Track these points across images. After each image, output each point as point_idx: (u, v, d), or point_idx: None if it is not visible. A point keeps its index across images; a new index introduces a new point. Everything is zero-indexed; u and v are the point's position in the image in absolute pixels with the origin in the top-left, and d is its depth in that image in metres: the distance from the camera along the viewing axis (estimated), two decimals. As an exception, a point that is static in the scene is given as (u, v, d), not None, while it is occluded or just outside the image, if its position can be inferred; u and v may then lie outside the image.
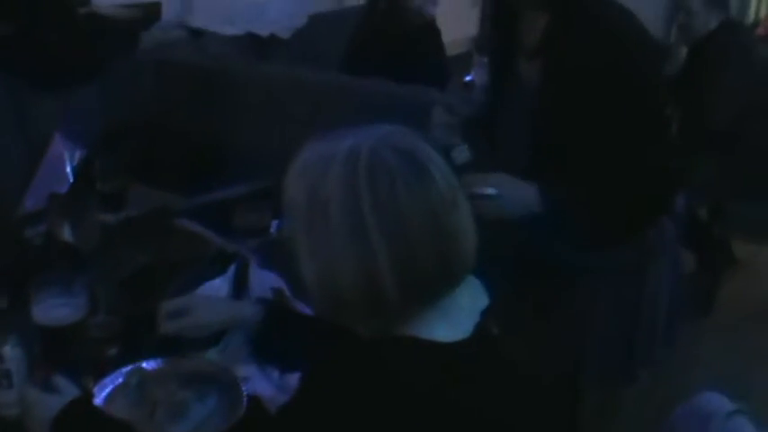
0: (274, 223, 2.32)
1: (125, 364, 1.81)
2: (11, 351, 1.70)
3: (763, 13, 7.21)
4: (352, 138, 1.24)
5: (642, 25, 1.99)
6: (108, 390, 1.75)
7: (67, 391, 1.50)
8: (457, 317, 1.29)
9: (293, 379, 1.74)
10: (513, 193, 1.89)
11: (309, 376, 1.29)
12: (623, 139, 1.95)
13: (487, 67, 2.25)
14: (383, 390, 1.20)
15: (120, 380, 1.77)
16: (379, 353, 1.25)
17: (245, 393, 1.70)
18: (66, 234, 2.01)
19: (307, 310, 1.93)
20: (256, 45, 4.20)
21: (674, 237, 2.23)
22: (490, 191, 1.89)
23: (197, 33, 4.16)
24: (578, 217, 1.96)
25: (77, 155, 2.92)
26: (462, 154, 1.96)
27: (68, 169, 2.88)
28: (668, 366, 3.16)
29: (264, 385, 1.77)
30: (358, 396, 1.20)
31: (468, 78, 4.11)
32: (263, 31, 4.22)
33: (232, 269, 2.03)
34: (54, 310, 1.76)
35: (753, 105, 3.94)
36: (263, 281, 1.99)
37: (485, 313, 1.32)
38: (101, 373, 1.79)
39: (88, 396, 1.60)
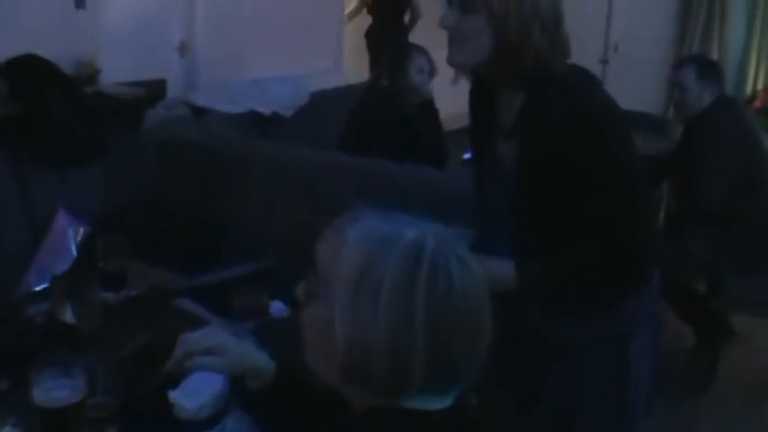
0: (272, 304, 2.35)
1: (123, 444, 1.83)
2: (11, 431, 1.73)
3: (759, 87, 7.31)
4: (414, 227, 1.31)
5: (616, 105, 2.04)
6: (105, 470, 1.78)
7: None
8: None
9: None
10: (490, 269, 1.93)
11: None
12: (597, 216, 1.99)
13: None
14: None
15: (118, 461, 1.79)
16: (370, 425, 1.30)
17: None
18: (68, 316, 2.04)
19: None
20: (258, 123, 4.27)
21: (653, 307, 2.26)
22: None
23: (200, 111, 4.23)
24: (554, 292, 2.01)
25: (81, 231, 2.96)
26: None
27: (72, 246, 2.92)
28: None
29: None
30: None
31: (466, 156, 4.15)
32: (266, 110, 4.30)
33: (230, 350, 2.05)
34: (53, 391, 1.78)
35: (746, 181, 3.98)
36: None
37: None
38: (99, 453, 1.82)
39: None
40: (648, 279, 2.13)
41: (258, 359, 1.64)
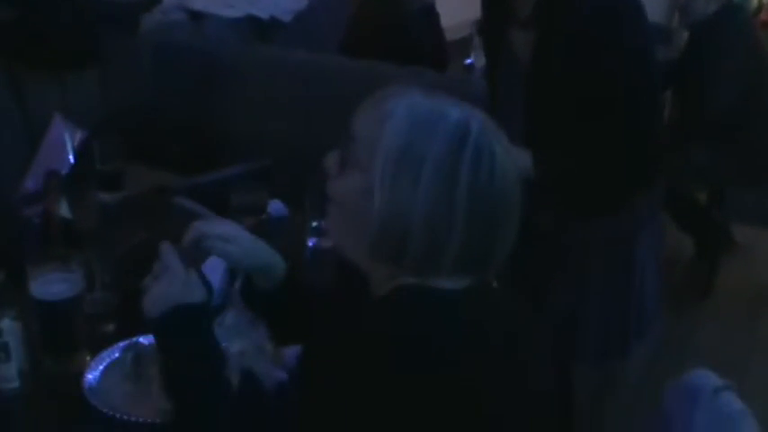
0: (270, 203, 2.34)
1: (121, 339, 1.83)
2: (9, 324, 1.73)
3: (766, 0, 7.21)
4: (457, 107, 1.30)
5: None
6: (104, 365, 1.78)
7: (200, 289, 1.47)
8: None
9: (288, 353, 1.76)
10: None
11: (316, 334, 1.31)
12: (613, 109, 1.96)
13: (482, 42, 2.27)
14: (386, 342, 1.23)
15: (117, 355, 1.79)
16: (393, 303, 1.29)
17: (240, 368, 1.72)
18: (64, 211, 2.02)
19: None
20: (256, 28, 4.21)
21: (659, 207, 2.25)
22: None
23: (197, 16, 4.16)
24: (568, 184, 1.99)
25: (77, 136, 2.93)
26: None
27: (68, 150, 2.90)
28: (665, 352, 3.18)
29: (258, 358, 1.79)
30: (365, 348, 1.23)
31: (468, 62, 4.11)
32: (264, 14, 4.23)
33: (228, 247, 2.04)
34: (51, 285, 1.78)
35: (751, 91, 3.94)
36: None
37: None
38: (97, 348, 1.81)
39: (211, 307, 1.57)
40: (658, 177, 2.11)
41: (271, 257, 1.62)
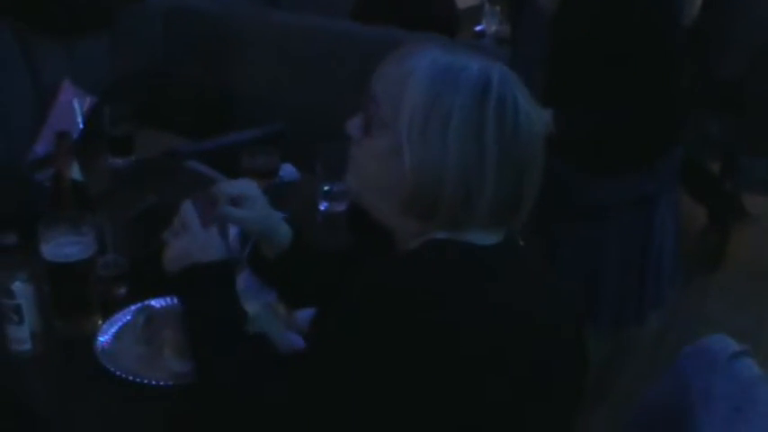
0: (282, 167, 2.32)
1: (133, 302, 1.82)
2: (20, 287, 1.72)
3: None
4: (477, 60, 1.30)
5: None
6: (116, 328, 1.77)
7: (220, 248, 1.48)
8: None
9: (301, 316, 1.75)
10: None
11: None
12: (638, 65, 1.94)
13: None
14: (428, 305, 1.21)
15: (128, 318, 1.78)
16: (423, 258, 1.28)
17: (251, 332, 1.71)
18: (75, 173, 2.01)
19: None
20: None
21: (678, 175, 2.23)
22: None
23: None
24: (590, 140, 1.98)
25: (87, 101, 2.92)
26: None
27: (78, 116, 2.89)
28: (676, 320, 3.17)
29: (271, 323, 1.77)
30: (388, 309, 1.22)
31: (478, 28, 4.07)
32: (274, -22, 4.19)
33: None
34: (63, 248, 1.76)
35: (764, 59, 3.90)
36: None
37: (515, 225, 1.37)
38: (109, 311, 1.80)
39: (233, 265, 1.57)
40: (680, 137, 2.09)
41: (278, 224, 1.63)
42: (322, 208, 2.25)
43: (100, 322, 1.79)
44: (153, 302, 1.80)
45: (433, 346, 1.19)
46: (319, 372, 1.24)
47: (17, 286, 1.71)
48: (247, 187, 1.61)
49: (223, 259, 1.47)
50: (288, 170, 2.36)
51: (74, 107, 2.91)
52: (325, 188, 2.23)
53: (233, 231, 1.94)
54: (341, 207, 2.20)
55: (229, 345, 1.38)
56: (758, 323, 3.63)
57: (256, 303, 1.82)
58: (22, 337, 1.72)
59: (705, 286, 3.90)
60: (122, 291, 1.90)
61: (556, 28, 2.03)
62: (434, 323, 1.20)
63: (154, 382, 1.63)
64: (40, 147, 2.81)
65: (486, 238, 1.31)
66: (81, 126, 2.83)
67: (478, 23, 4.09)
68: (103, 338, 1.74)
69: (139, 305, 1.80)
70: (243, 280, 1.90)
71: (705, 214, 4.32)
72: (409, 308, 1.20)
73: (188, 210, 1.51)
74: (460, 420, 1.22)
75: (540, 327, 1.31)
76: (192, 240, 1.48)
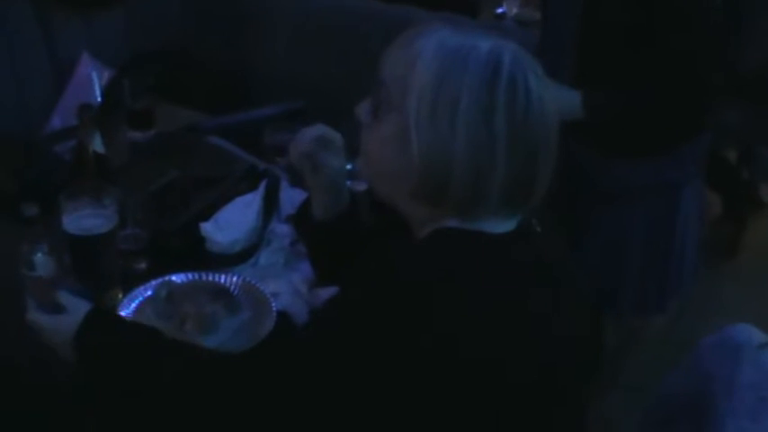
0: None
1: (153, 277, 1.81)
2: (42, 259, 1.70)
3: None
4: (487, 39, 1.26)
5: None
6: (136, 302, 1.76)
7: (76, 307, 1.45)
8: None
9: (323, 294, 1.74)
10: (557, 97, 1.89)
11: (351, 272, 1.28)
12: (668, 46, 1.92)
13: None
14: (419, 285, 1.19)
15: (149, 292, 1.77)
16: (435, 246, 1.26)
17: (274, 309, 1.71)
18: (97, 145, 1.99)
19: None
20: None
21: (704, 163, 2.21)
22: None
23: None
24: (617, 122, 1.96)
25: (105, 74, 2.91)
26: None
27: (96, 89, 2.88)
28: (689, 309, 3.16)
29: (294, 301, 1.77)
30: (394, 292, 1.19)
31: (499, 10, 4.04)
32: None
33: (263, 185, 2.02)
34: (84, 220, 1.75)
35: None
36: (294, 199, 1.98)
37: (529, 211, 1.33)
38: (129, 284, 1.80)
39: (101, 307, 1.56)
40: (706, 123, 2.07)
41: (345, 183, 1.62)
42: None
43: (120, 296, 1.78)
44: (174, 277, 1.79)
45: (432, 342, 1.16)
46: (302, 354, 1.23)
47: (38, 258, 1.70)
48: (332, 132, 1.59)
49: (87, 311, 1.43)
50: (309, 148, 2.34)
51: (92, 80, 2.90)
52: (348, 167, 2.21)
53: (255, 206, 1.94)
54: (362, 186, 2.18)
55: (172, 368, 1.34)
56: (771, 313, 3.62)
57: (279, 281, 1.82)
58: (42, 309, 1.71)
59: (719, 274, 3.88)
60: (143, 265, 1.90)
61: (586, 8, 2.00)
62: (435, 318, 1.17)
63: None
64: (58, 119, 2.80)
65: (499, 225, 1.28)
66: (99, 99, 2.82)
67: (499, 5, 4.06)
68: (124, 312, 1.73)
69: (160, 280, 1.78)
70: (266, 256, 1.90)
71: (720, 202, 4.30)
72: (411, 301, 1.18)
73: (31, 314, 1.50)
74: (465, 413, 1.20)
75: (546, 320, 1.28)
76: (51, 327, 1.46)
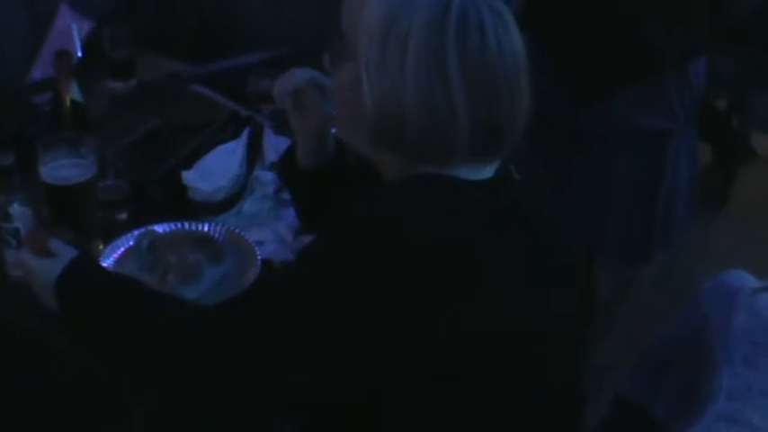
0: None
1: (135, 227, 1.77)
2: (18, 210, 1.67)
3: None
4: None
5: None
6: (118, 253, 1.73)
7: (64, 253, 1.42)
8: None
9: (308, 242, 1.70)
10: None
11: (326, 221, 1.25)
12: None
13: None
14: (400, 231, 1.16)
15: (131, 243, 1.73)
16: (401, 191, 1.22)
17: (259, 258, 1.67)
18: (75, 94, 1.94)
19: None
20: None
21: (694, 118, 2.18)
22: None
23: None
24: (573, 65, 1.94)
25: (85, 26, 2.84)
26: None
27: (76, 41, 2.81)
28: (680, 257, 3.15)
29: (279, 249, 1.74)
30: (374, 239, 1.17)
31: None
32: None
33: (245, 134, 1.98)
34: (62, 169, 1.70)
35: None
36: (278, 147, 1.94)
37: (507, 158, 1.30)
38: (110, 236, 1.76)
39: (89, 255, 1.56)
40: (682, 65, 2.04)
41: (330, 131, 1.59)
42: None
43: (101, 247, 1.74)
44: (156, 227, 1.75)
45: (405, 277, 1.14)
46: (283, 302, 1.21)
47: (15, 209, 1.66)
48: (323, 77, 1.53)
49: (72, 257, 1.41)
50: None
51: (72, 31, 2.84)
52: (334, 112, 2.17)
53: (239, 154, 1.90)
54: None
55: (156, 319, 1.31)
56: (761, 261, 3.59)
57: (263, 229, 1.79)
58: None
59: (709, 224, 3.86)
60: (124, 215, 1.85)
61: None
62: (407, 257, 1.14)
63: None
64: (38, 71, 2.74)
65: (475, 172, 1.25)
66: (79, 50, 2.77)
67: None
68: (105, 263, 1.69)
69: (142, 230, 1.74)
70: (251, 204, 1.86)
71: (711, 152, 4.27)
72: (380, 236, 1.16)
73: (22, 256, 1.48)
74: (443, 349, 1.17)
75: (519, 266, 1.24)
76: (37, 270, 1.43)
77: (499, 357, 1.21)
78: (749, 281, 1.55)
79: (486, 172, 1.27)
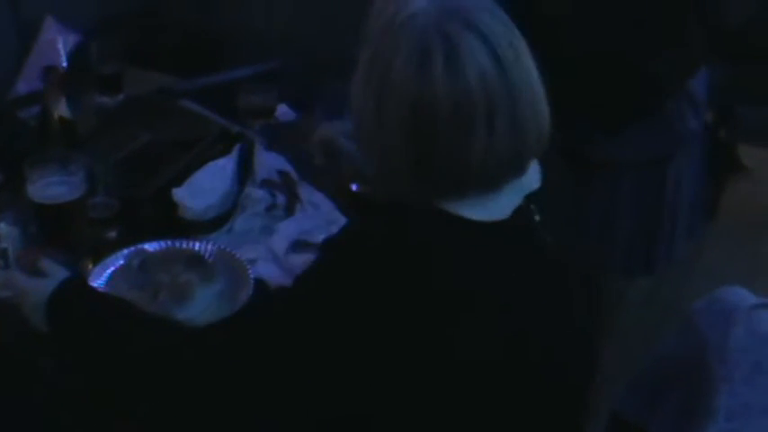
0: (279, 106, 2.24)
1: (124, 246, 1.75)
2: (6, 229, 1.65)
3: None
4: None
5: None
6: (108, 272, 1.70)
7: (56, 273, 1.42)
8: (493, 197, 1.23)
9: (302, 259, 1.68)
10: None
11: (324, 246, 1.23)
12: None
13: None
14: (398, 262, 1.15)
15: (121, 262, 1.71)
16: (400, 223, 1.20)
17: (251, 276, 1.65)
18: (63, 109, 1.92)
19: (314, 193, 1.88)
20: None
21: (699, 130, 2.17)
22: None
23: None
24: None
25: (71, 39, 2.82)
26: None
27: (63, 53, 2.79)
28: (669, 271, 3.14)
29: (271, 268, 1.72)
30: (371, 269, 1.16)
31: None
32: None
33: (236, 150, 1.96)
34: (50, 188, 1.70)
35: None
36: (270, 163, 1.92)
37: (530, 197, 1.27)
38: (100, 254, 1.73)
39: (81, 276, 1.54)
40: (678, 90, 2.03)
41: None
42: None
43: (91, 266, 1.71)
44: (146, 246, 1.72)
45: (388, 310, 1.14)
46: (277, 325, 1.20)
47: (2, 228, 1.65)
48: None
49: (64, 278, 1.40)
50: (284, 110, 2.28)
51: (58, 44, 2.81)
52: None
53: (229, 170, 1.88)
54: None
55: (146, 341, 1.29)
56: (751, 274, 3.59)
57: (256, 246, 1.77)
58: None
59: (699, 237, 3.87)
60: (114, 234, 1.82)
61: None
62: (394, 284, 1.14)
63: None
64: (23, 84, 2.72)
65: (482, 211, 1.21)
66: (66, 64, 2.74)
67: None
68: (95, 283, 1.66)
69: (132, 248, 1.72)
70: (242, 221, 1.85)
71: (700, 164, 4.28)
72: (367, 269, 1.16)
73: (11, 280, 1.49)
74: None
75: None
76: (27, 292, 1.42)
77: (492, 383, 1.20)
78: (747, 297, 1.53)
79: (501, 210, 1.23)
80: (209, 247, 1.73)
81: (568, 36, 1.93)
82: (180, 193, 1.84)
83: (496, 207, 1.23)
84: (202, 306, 1.60)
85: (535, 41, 1.79)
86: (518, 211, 1.24)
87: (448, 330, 1.14)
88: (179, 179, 1.88)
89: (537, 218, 1.28)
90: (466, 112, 1.15)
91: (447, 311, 1.14)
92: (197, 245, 1.74)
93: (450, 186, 1.20)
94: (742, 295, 1.54)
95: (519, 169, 1.23)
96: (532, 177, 1.29)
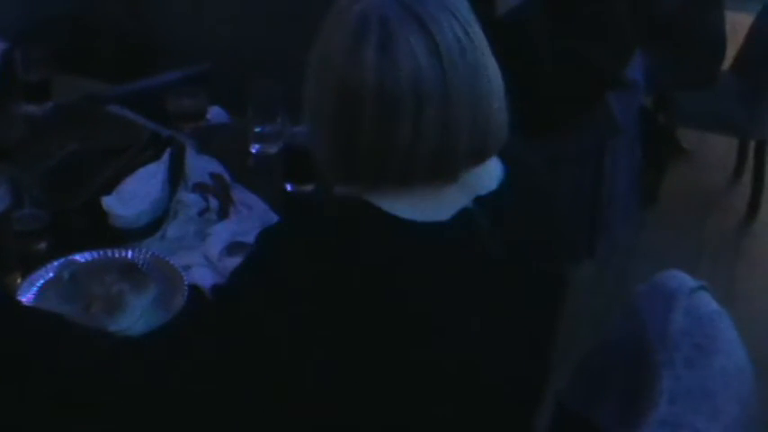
0: (210, 109, 2.21)
1: (54, 258, 1.70)
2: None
3: None
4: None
5: None
6: (38, 285, 1.65)
7: None
8: (432, 196, 1.21)
9: (234, 263, 1.65)
10: None
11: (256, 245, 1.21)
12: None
13: None
14: (325, 258, 1.14)
15: (51, 274, 1.66)
16: (328, 220, 1.20)
17: (186, 283, 1.62)
18: (-16, 122, 1.87)
19: (247, 195, 1.85)
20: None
21: (634, 117, 2.18)
22: None
23: None
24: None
25: (-2, 48, 2.76)
26: None
27: (-12, 63, 2.73)
28: (613, 258, 3.16)
29: (206, 272, 1.68)
30: (302, 264, 1.15)
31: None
32: None
33: (167, 155, 1.92)
34: (-25, 202, 1.64)
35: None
36: (202, 166, 1.89)
37: (481, 201, 1.24)
38: (29, 267, 1.68)
39: (7, 291, 1.50)
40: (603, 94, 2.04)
41: None
42: (254, 150, 2.13)
43: (19, 280, 1.67)
44: (77, 257, 1.68)
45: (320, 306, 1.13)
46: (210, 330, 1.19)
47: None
48: None
49: None
50: (216, 112, 2.25)
51: (-18, 52, 2.75)
52: (257, 130, 2.12)
53: (160, 177, 1.84)
54: (273, 149, 2.09)
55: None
56: (694, 257, 3.64)
57: (190, 253, 1.73)
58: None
59: (642, 221, 3.89)
60: (43, 245, 1.78)
61: None
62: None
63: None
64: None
65: (416, 209, 1.19)
66: (-9, 73, 2.68)
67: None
68: (24, 297, 1.61)
69: (62, 260, 1.68)
70: (175, 228, 1.81)
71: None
72: (295, 267, 1.14)
73: None
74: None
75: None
76: None
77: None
78: (686, 281, 1.53)
79: (443, 212, 1.21)
80: (142, 254, 1.70)
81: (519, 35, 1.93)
82: (110, 201, 1.80)
83: (435, 207, 1.20)
84: (136, 316, 1.56)
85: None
86: (461, 215, 1.22)
87: (375, 323, 1.14)
88: (109, 187, 1.84)
89: (484, 223, 1.24)
90: (392, 99, 1.13)
91: (369, 303, 1.13)
92: (129, 253, 1.70)
93: (374, 177, 1.18)
94: (682, 279, 1.54)
95: (449, 169, 1.19)
96: (486, 179, 1.26)
